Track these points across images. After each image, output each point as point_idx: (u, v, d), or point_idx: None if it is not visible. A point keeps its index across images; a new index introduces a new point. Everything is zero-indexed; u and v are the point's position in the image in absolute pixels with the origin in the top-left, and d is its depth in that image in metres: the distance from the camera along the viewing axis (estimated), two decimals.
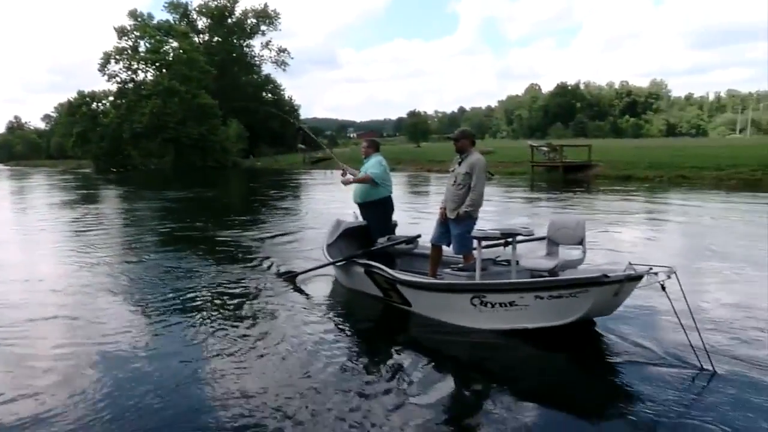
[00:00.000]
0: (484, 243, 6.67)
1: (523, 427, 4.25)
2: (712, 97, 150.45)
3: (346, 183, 8.45)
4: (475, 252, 6.61)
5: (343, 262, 7.97)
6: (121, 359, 5.70)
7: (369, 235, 8.32)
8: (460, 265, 6.93)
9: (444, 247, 7.26)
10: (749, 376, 4.94)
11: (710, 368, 5.02)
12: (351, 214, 9.06)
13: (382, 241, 7.94)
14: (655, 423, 4.27)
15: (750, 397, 4.57)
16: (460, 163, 7.02)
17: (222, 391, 4.97)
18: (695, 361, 5.13)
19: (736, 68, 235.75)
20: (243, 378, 5.23)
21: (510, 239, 6.68)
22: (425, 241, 7.75)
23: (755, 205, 18.04)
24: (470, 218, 6.86)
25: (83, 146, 64.76)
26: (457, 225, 6.92)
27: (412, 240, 7.99)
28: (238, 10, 78.28)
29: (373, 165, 8.29)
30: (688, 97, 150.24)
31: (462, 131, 7.35)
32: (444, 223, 7.11)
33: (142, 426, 4.39)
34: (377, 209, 8.32)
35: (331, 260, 8.14)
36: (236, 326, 6.71)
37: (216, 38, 78.00)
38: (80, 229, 16.11)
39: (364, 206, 8.40)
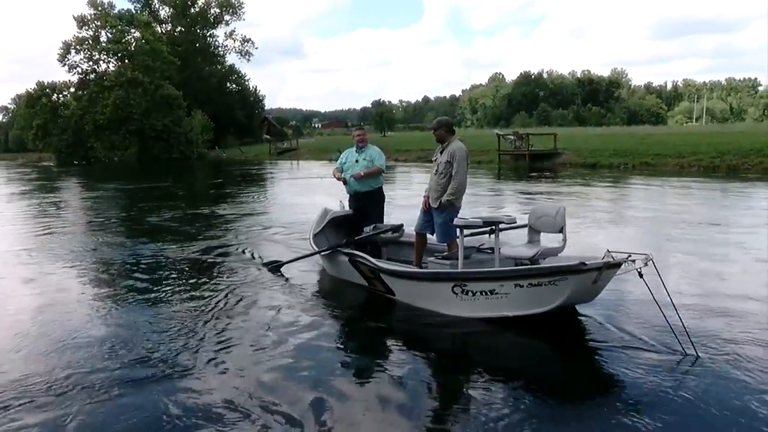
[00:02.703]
0: (467, 231, 6.72)
1: (504, 413, 4.27)
2: (670, 86, 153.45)
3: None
4: (458, 240, 6.63)
5: (329, 251, 8.05)
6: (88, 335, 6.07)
7: (355, 225, 8.37)
8: (444, 254, 7.01)
9: (429, 236, 7.34)
10: (731, 359, 4.97)
11: (693, 353, 5.06)
12: (338, 203, 9.14)
13: (367, 230, 7.99)
14: (641, 408, 4.30)
15: (733, 381, 4.62)
16: (441, 153, 7.10)
17: (193, 372, 5.07)
18: (678, 346, 5.15)
19: (692, 58, 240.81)
20: (216, 360, 5.32)
21: (493, 227, 6.76)
22: (408, 230, 7.85)
23: (715, 190, 18.63)
24: (452, 207, 6.93)
25: (44, 139, 63.18)
26: (440, 214, 6.99)
27: (398, 228, 8.00)
28: (201, 0, 77.16)
29: (379, 155, 8.42)
30: (648, 86, 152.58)
31: (438, 120, 7.38)
32: (428, 211, 7.21)
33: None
34: (377, 197, 8.49)
35: (317, 249, 8.20)
36: (216, 311, 6.79)
37: (179, 28, 76.76)
38: (35, 215, 16.79)
39: (366, 195, 8.40)
